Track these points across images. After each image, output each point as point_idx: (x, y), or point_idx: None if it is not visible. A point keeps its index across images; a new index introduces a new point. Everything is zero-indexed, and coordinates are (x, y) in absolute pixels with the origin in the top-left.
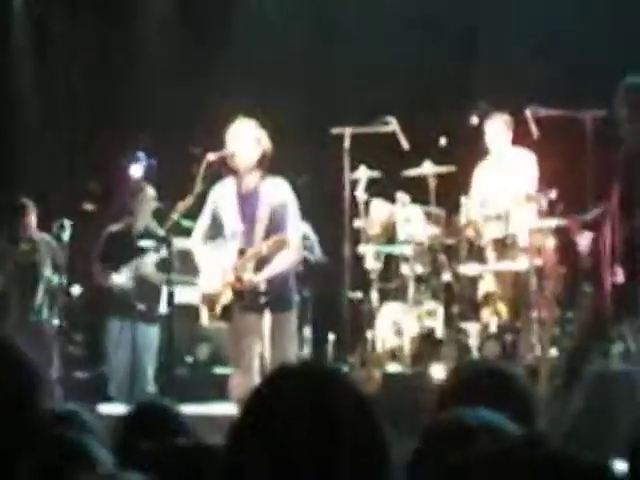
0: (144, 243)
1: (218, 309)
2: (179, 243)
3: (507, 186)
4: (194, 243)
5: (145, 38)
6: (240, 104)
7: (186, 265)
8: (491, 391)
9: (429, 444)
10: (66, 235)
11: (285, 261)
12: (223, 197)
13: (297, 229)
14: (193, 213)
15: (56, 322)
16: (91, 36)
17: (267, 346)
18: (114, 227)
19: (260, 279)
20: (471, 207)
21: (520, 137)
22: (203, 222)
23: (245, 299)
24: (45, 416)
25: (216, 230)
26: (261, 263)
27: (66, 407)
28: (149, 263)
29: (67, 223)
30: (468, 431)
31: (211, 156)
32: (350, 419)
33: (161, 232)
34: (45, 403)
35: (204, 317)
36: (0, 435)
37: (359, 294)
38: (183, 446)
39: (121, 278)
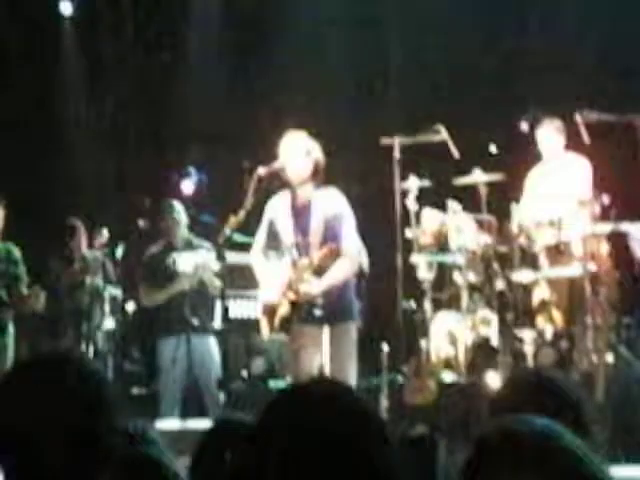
0: (192, 258)
1: (277, 321)
2: (232, 257)
3: (560, 192)
4: (253, 256)
5: (194, 51)
6: (291, 117)
7: (241, 280)
8: (545, 401)
9: (479, 453)
10: (119, 252)
11: (341, 272)
12: (278, 210)
13: (353, 239)
14: (245, 227)
15: (112, 337)
16: (138, 51)
17: (327, 358)
18: (154, 248)
19: (316, 290)
20: (523, 214)
21: (572, 142)
22: (261, 236)
23: (302, 311)
24: (117, 432)
25: (274, 243)
26: (319, 275)
27: (136, 424)
28: (201, 277)
29: (105, 235)
30: (518, 439)
31: (262, 170)
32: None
33: (205, 244)
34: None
35: (263, 329)
36: (75, 447)
37: (412, 304)
38: None
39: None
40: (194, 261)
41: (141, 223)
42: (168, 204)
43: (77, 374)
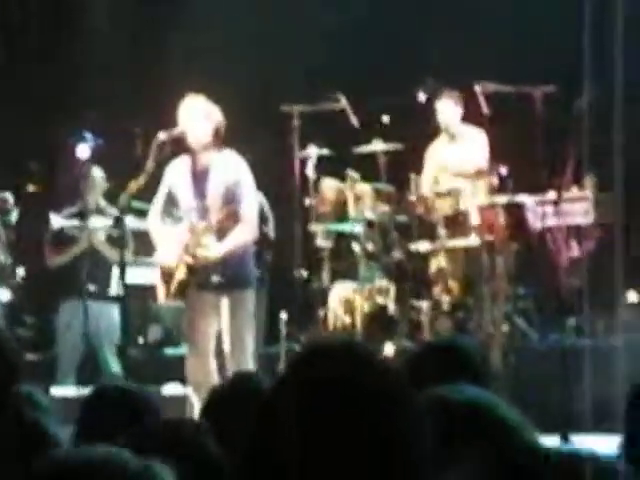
0: (96, 222)
1: (174, 287)
2: (131, 223)
3: (458, 163)
4: (150, 221)
5: (92, 12)
6: (189, 81)
7: (139, 245)
8: (446, 366)
9: None
10: (13, 216)
11: (240, 237)
12: (177, 175)
13: (252, 205)
14: (144, 193)
15: (5, 302)
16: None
17: (225, 326)
18: (65, 210)
19: (215, 254)
20: (421, 184)
21: (470, 113)
22: (159, 200)
23: (200, 277)
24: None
25: (172, 208)
26: (218, 240)
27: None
28: (101, 243)
29: (10, 200)
30: (450, 409)
31: (162, 135)
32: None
33: (113, 211)
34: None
35: (160, 295)
36: None
37: (310, 273)
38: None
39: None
40: (104, 225)
41: (31, 187)
42: (88, 167)
43: None
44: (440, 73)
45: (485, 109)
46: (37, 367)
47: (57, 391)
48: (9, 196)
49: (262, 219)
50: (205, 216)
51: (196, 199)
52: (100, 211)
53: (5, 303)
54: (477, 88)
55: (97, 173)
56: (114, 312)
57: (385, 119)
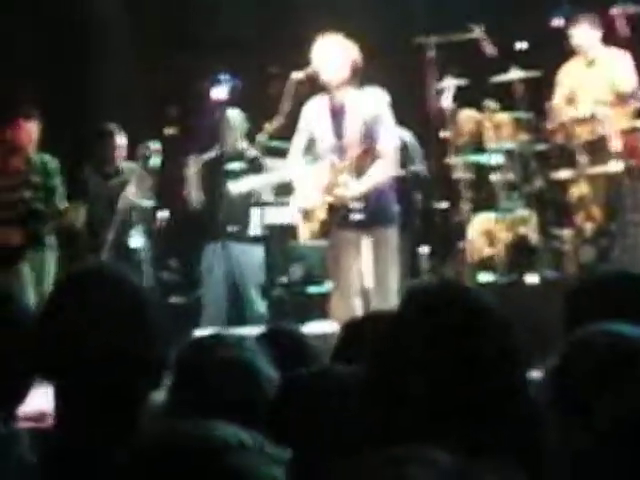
0: (235, 166)
1: (315, 226)
2: (270, 164)
3: (598, 87)
4: (290, 161)
5: None
6: (323, 18)
7: (279, 186)
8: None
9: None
10: (155, 160)
11: (379, 174)
12: (315, 114)
13: (392, 142)
14: (281, 133)
15: (148, 248)
16: None
17: (367, 263)
18: (206, 154)
19: (354, 193)
20: (561, 111)
21: (608, 37)
22: (298, 141)
23: (340, 215)
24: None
25: (311, 147)
26: (358, 178)
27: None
28: (240, 185)
29: (154, 147)
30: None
31: (297, 75)
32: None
33: (253, 153)
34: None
35: (302, 235)
36: (123, 365)
37: (449, 206)
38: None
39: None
40: (241, 167)
41: (169, 131)
42: (226, 109)
43: (118, 290)
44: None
45: (624, 31)
46: (183, 310)
47: (203, 334)
48: (153, 143)
49: (408, 157)
50: (344, 154)
51: (334, 137)
52: (239, 154)
53: (149, 248)
54: (615, 10)
55: (236, 115)
56: (257, 253)
57: (522, 46)
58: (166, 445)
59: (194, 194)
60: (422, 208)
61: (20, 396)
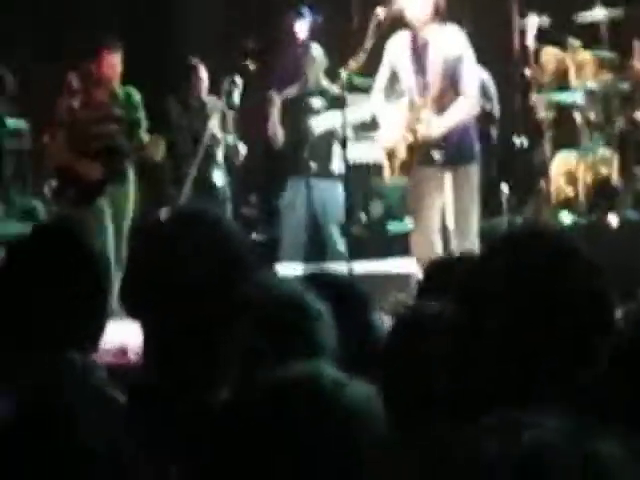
0: (317, 103)
1: (397, 164)
2: (353, 100)
3: None
4: (373, 99)
5: None
6: None
7: (360, 123)
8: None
9: None
10: (237, 95)
11: (461, 112)
12: (397, 51)
13: (473, 80)
14: (364, 70)
15: (229, 184)
16: None
17: (449, 202)
18: (288, 90)
19: (436, 131)
20: None
21: None
22: (381, 78)
23: (422, 153)
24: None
25: (394, 85)
26: (439, 116)
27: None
28: (323, 121)
29: (238, 81)
30: None
31: (380, 11)
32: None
33: (335, 90)
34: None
35: (386, 172)
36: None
37: (531, 144)
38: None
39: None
40: (321, 105)
41: (250, 65)
42: (308, 45)
43: (211, 230)
44: None
45: None
46: (263, 246)
47: (283, 268)
48: (236, 77)
49: (486, 96)
50: (426, 92)
51: (416, 75)
52: (322, 90)
53: (230, 183)
54: None
55: (317, 51)
56: (338, 190)
57: None
58: (281, 386)
59: (278, 132)
60: (502, 147)
61: (97, 333)
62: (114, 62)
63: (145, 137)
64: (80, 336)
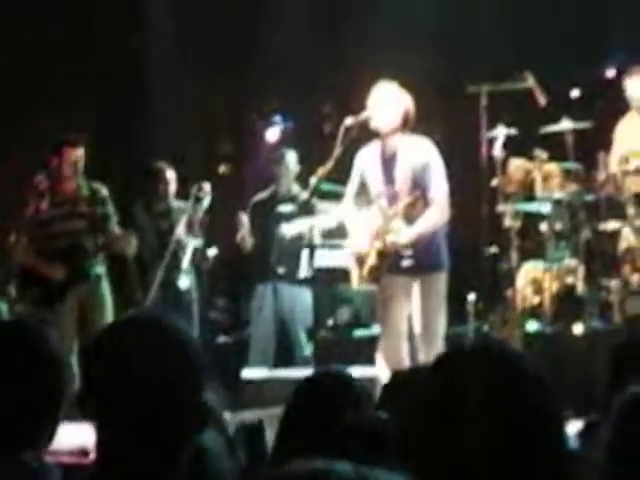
0: (287, 208)
1: (365, 271)
2: (321, 207)
3: None
4: (343, 206)
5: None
6: (377, 64)
7: (328, 229)
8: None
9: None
10: (206, 200)
11: (430, 221)
12: (368, 160)
13: (442, 188)
14: (333, 177)
15: (196, 288)
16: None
17: (416, 309)
18: (259, 195)
19: (404, 240)
20: (610, 163)
21: None
22: (352, 186)
23: (391, 261)
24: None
25: (363, 193)
26: (409, 225)
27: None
28: (292, 227)
29: (207, 187)
30: None
31: (349, 120)
32: (527, 391)
33: (305, 196)
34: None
35: (354, 279)
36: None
37: (498, 253)
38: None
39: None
40: (291, 210)
41: (223, 170)
42: (282, 152)
43: (165, 334)
44: (629, 48)
45: None
46: (230, 349)
47: (249, 373)
48: (205, 184)
49: None
50: (395, 201)
51: (386, 184)
52: (292, 196)
53: (198, 287)
54: None
55: (291, 157)
56: (306, 295)
57: (574, 93)
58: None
59: (246, 238)
60: (465, 252)
61: (50, 433)
62: (75, 158)
63: (116, 229)
64: (34, 437)
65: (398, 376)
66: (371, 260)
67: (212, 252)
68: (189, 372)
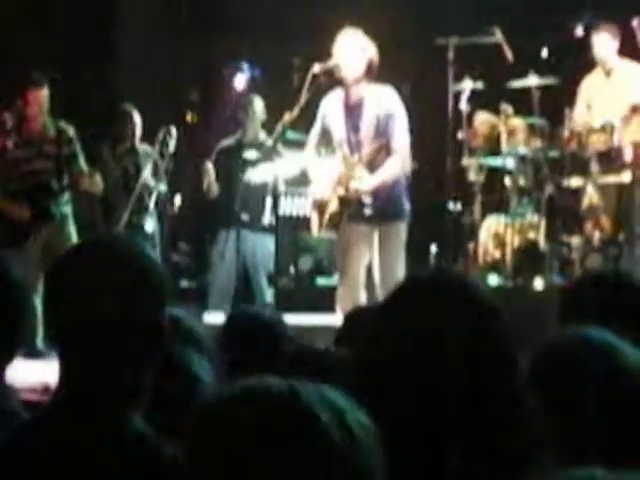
0: (252, 155)
1: (326, 218)
2: (286, 154)
3: (614, 98)
4: (306, 153)
5: None
6: (345, 13)
7: (292, 176)
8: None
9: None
10: (172, 144)
11: (392, 169)
12: (331, 108)
13: (405, 137)
14: (297, 124)
15: (160, 231)
16: None
17: (375, 257)
18: (225, 141)
19: (366, 187)
20: (575, 119)
21: (627, 49)
22: (314, 133)
23: (352, 208)
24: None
25: (326, 140)
26: (371, 173)
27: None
28: (256, 173)
29: (173, 131)
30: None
31: (316, 68)
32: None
33: (270, 143)
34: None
35: (313, 226)
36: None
37: (461, 206)
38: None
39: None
40: (257, 157)
41: (189, 117)
42: (249, 99)
43: (127, 259)
44: (598, 7)
45: None
46: (191, 293)
47: (210, 318)
48: (172, 128)
49: None
50: (358, 149)
51: (349, 132)
52: (258, 143)
53: (162, 231)
54: (635, 23)
55: (258, 104)
56: (268, 242)
57: (544, 53)
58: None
59: (212, 186)
60: (429, 205)
61: (10, 353)
62: (40, 98)
63: (84, 167)
64: None
65: (353, 313)
66: (332, 206)
67: (177, 199)
68: (150, 291)
